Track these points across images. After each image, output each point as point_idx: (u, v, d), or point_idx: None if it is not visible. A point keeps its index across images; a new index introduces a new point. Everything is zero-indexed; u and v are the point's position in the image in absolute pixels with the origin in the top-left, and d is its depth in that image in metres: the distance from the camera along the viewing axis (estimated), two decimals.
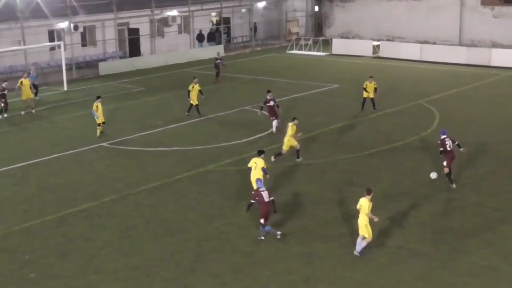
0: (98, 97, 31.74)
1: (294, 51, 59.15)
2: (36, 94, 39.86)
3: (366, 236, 18.44)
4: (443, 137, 24.21)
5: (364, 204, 18.40)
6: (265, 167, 22.63)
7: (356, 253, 18.64)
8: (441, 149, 24.04)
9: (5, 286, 17.42)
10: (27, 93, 36.68)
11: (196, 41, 59.35)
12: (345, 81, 44.66)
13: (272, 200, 19.87)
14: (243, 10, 65.33)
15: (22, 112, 36.64)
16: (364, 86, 35.25)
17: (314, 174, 25.77)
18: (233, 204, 22.73)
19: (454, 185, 23.95)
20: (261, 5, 66.07)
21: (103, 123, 31.66)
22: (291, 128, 26.70)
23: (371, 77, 35.60)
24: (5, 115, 36.03)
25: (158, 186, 24.56)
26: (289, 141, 26.76)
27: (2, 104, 35.83)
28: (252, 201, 20.06)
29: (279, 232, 19.93)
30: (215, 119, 34.25)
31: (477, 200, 22.77)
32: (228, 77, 47.00)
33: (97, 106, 31.25)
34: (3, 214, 22.25)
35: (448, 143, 24.03)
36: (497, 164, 26.71)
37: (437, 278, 17.39)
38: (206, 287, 17.19)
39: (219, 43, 60.23)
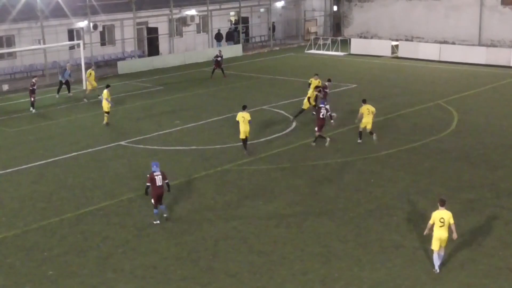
0: (108, 86, 34.24)
1: (312, 51, 59.08)
2: (69, 91, 41.30)
3: (441, 247, 17.76)
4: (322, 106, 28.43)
5: (448, 215, 17.68)
6: (250, 119, 27.62)
7: (436, 271, 17.71)
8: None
9: (23, 284, 17.56)
10: (93, 83, 39.91)
11: (215, 41, 59.42)
12: (363, 81, 44.53)
13: (167, 182, 21.13)
14: (262, 10, 65.36)
15: (85, 100, 39.72)
16: (310, 81, 34.62)
17: (332, 174, 25.73)
18: (251, 203, 22.75)
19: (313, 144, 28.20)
20: (279, 4, 66.06)
21: (107, 112, 33.57)
22: (313, 83, 32.47)
23: (316, 74, 35.49)
24: (33, 110, 36.86)
25: (176, 185, 24.60)
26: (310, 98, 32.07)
27: (32, 99, 36.96)
28: (148, 184, 20.92)
29: (165, 215, 21.32)
30: (233, 118, 34.21)
31: (496, 201, 22.63)
32: (246, 77, 47.08)
33: (104, 94, 33.41)
34: (21, 212, 22.42)
35: (323, 111, 28.42)
36: None
37: (454, 279, 17.31)
38: (222, 286, 17.23)
39: (237, 42, 60.30)
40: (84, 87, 42.45)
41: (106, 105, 33.36)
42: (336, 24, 69.14)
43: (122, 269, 18.18)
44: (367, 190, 23.90)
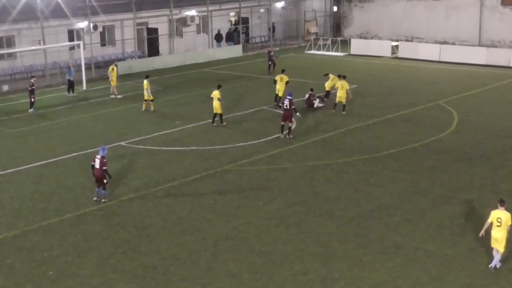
0: (147, 76, 37.07)
1: (312, 51, 59.11)
2: (72, 91, 41.77)
3: (503, 250, 17.71)
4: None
5: (506, 216, 17.57)
6: (220, 97, 31.65)
7: (491, 268, 17.71)
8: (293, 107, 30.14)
9: (23, 284, 17.56)
10: (115, 79, 41.15)
11: (215, 41, 59.46)
12: (363, 81, 44.52)
13: (105, 169, 22.53)
14: (262, 10, 65.38)
15: (112, 96, 41.01)
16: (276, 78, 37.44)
17: (332, 174, 25.73)
18: (251, 204, 22.75)
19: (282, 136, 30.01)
20: (279, 5, 66.09)
21: (145, 100, 36.43)
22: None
23: (283, 70, 38.29)
24: (32, 110, 37.01)
25: (176, 186, 24.65)
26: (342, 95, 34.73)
27: (32, 99, 37.10)
28: (92, 163, 22.78)
29: (104, 200, 22.80)
30: (232, 118, 34.26)
31: (495, 201, 22.53)
32: (246, 77, 47.10)
33: (147, 84, 36.08)
34: (22, 212, 22.43)
35: (286, 102, 29.99)
36: None
37: (454, 279, 17.31)
38: (223, 287, 17.23)
39: (237, 43, 60.35)
40: (84, 88, 42.48)
41: (146, 95, 36.09)
42: (336, 25, 69.17)
43: (123, 269, 18.19)
44: (367, 190, 23.90)
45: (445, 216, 21.46)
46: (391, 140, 30.05)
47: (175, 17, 55.48)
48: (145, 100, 36.41)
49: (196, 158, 28.04)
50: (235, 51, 58.32)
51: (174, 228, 20.90)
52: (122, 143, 30.36)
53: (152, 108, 36.33)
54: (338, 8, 68.84)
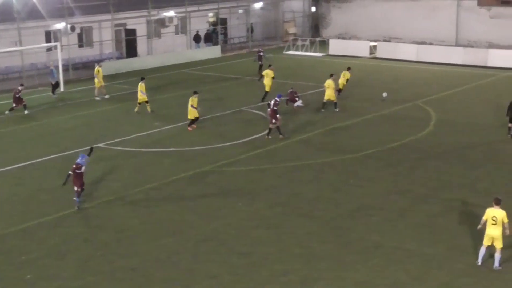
0: (143, 78, 36.66)
1: (291, 52, 59.16)
2: (53, 92, 41.48)
3: (501, 245, 17.80)
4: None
5: (501, 214, 17.70)
6: (195, 105, 31.66)
7: (496, 267, 17.82)
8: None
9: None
10: (101, 80, 40.44)
11: (193, 42, 59.33)
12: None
13: (68, 174, 22.39)
14: (240, 11, 65.34)
15: (97, 98, 40.26)
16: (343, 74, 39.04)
17: (312, 175, 25.78)
18: (231, 205, 22.73)
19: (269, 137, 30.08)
20: (258, 5, 66.08)
21: (140, 103, 36.08)
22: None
23: (270, 65, 39.69)
24: (26, 111, 36.80)
25: (155, 187, 24.56)
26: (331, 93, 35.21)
27: (19, 106, 36.70)
28: (70, 172, 22.27)
29: (77, 207, 22.31)
30: (212, 119, 34.21)
31: (474, 200, 22.79)
32: (225, 78, 47.05)
33: (141, 86, 35.84)
34: (0, 215, 22.21)
35: (272, 102, 30.28)
36: (494, 164, 26.75)
37: (434, 278, 17.40)
38: None
39: (216, 44, 60.28)
40: (62, 89, 42.21)
41: (141, 97, 35.87)
42: (315, 25, 69.28)
43: (102, 271, 18.07)
44: (346, 190, 23.98)
45: (424, 215, 21.58)
46: (370, 140, 30.17)
47: (153, 18, 55.27)
48: (139, 103, 36.03)
49: (176, 160, 27.96)
50: (213, 52, 58.24)
51: (153, 230, 20.82)
52: (101, 144, 30.16)
53: (148, 109, 35.99)
54: (316, 9, 68.97)
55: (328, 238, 19.94)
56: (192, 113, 32.10)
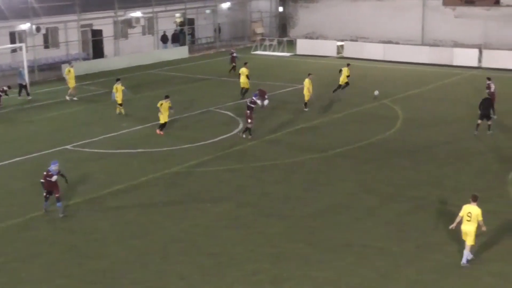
0: (118, 79, 36.06)
1: (258, 52, 59.22)
2: (19, 94, 40.92)
3: (473, 243, 17.97)
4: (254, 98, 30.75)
5: (476, 211, 17.83)
6: (164, 109, 30.87)
7: (464, 264, 18.00)
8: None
9: None
10: (73, 81, 40.18)
11: (161, 43, 59.08)
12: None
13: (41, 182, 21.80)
14: (207, 11, 65.22)
15: (67, 98, 39.92)
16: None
17: (281, 175, 25.83)
18: (199, 205, 22.69)
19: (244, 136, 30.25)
20: (225, 6, 66.02)
21: (120, 105, 35.54)
22: (308, 82, 35.68)
23: (246, 63, 40.93)
24: None
25: (124, 189, 24.40)
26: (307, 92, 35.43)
27: None
28: (42, 180, 21.69)
29: (61, 215, 21.71)
30: (180, 120, 34.10)
31: (441, 198, 23.04)
32: (193, 78, 46.93)
33: (116, 88, 35.22)
34: None
35: (252, 100, 30.46)
36: (460, 162, 27.06)
37: (402, 275, 17.55)
38: None
39: (183, 44, 60.12)
40: (28, 90, 41.80)
41: (120, 97, 35.45)
42: (282, 25, 69.42)
43: (71, 274, 17.91)
44: (315, 189, 24.08)
45: (393, 213, 21.76)
46: (339, 139, 30.33)
47: (120, 18, 54.91)
48: (118, 105, 35.70)
49: (144, 161, 27.82)
50: (181, 52, 58.08)
51: (122, 231, 20.69)
52: (68, 146, 29.90)
53: (118, 111, 35.71)
54: (284, 9, 69.11)
55: (297, 238, 20.00)
56: (163, 117, 31.56)
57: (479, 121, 30.56)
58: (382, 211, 22.00)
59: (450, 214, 21.45)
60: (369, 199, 23.11)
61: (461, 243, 19.17)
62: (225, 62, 50.17)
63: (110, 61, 52.66)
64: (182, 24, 62.65)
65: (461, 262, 18.03)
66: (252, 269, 18.03)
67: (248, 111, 30.31)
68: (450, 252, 18.81)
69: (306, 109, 35.63)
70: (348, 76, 39.44)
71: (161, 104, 31.25)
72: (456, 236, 19.71)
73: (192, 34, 64.41)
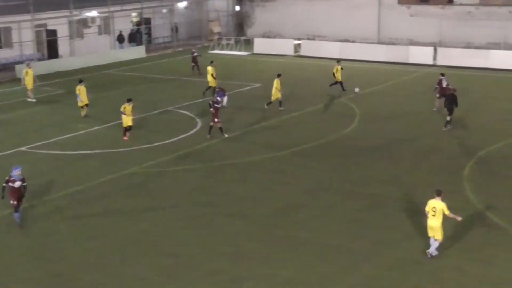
0: (81, 81, 35.03)
1: (216, 51, 59.14)
2: None
3: (440, 238, 18.19)
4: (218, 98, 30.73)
5: (440, 206, 18.04)
6: (127, 112, 29.84)
7: (430, 254, 18.28)
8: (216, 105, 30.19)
9: None
10: (31, 82, 39.44)
11: (117, 42, 58.59)
12: (267, 80, 44.72)
13: (24, 185, 21.07)
14: (164, 11, 64.89)
15: (29, 99, 39.29)
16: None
17: (240, 174, 25.83)
18: (158, 206, 22.55)
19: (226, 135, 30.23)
20: (182, 5, 65.73)
21: (87, 105, 34.67)
22: (276, 82, 35.44)
23: (212, 61, 41.24)
24: None
25: (81, 190, 24.13)
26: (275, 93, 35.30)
27: None
28: (4, 185, 20.88)
29: (18, 221, 20.90)
30: (137, 120, 33.80)
31: (398, 194, 23.29)
32: (150, 78, 46.66)
33: (79, 90, 34.18)
34: None
35: (217, 100, 30.31)
36: (417, 159, 27.38)
37: (361, 272, 17.68)
38: None
39: (140, 44, 59.72)
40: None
41: (85, 100, 34.67)
42: (239, 24, 69.45)
43: (28, 278, 17.64)
44: (274, 188, 24.13)
45: (351, 211, 21.92)
46: (297, 138, 30.44)
47: (75, 18, 54.26)
48: (85, 105, 34.85)
49: (101, 162, 27.56)
50: (138, 52, 57.68)
51: (80, 233, 20.45)
52: (23, 148, 29.45)
53: (84, 113, 34.87)
54: (240, 8, 69.14)
55: (256, 237, 20.02)
56: (126, 121, 30.65)
57: (448, 118, 31.29)
58: (340, 208, 22.14)
59: (407, 211, 21.76)
60: (327, 197, 23.24)
61: (419, 238, 19.45)
62: (183, 62, 49.99)
63: (66, 62, 52.01)
64: (138, 23, 62.23)
65: (429, 250, 18.30)
66: (212, 269, 17.99)
67: (214, 111, 30.21)
68: (407, 248, 19.02)
69: (281, 108, 35.54)
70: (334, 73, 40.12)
71: (124, 108, 30.39)
72: (413, 232, 19.98)
73: (149, 34, 64.03)
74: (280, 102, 35.64)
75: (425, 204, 18.43)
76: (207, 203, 22.75)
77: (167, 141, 30.17)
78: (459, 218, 18.37)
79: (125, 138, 30.36)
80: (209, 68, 39.95)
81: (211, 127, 30.46)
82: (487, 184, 24.24)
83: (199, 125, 32.69)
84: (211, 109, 30.25)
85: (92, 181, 25.00)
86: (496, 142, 29.35)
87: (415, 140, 30.00)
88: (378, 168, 26.24)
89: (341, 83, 40.03)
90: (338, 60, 41.55)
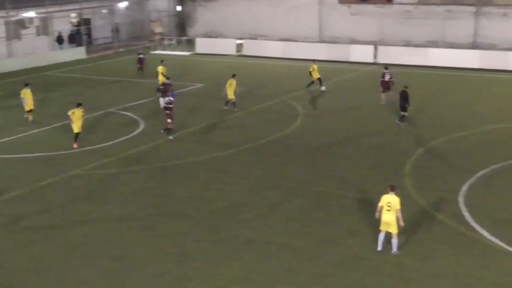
0: (27, 84, 33.77)
1: (158, 51, 58.79)
2: None
3: (396, 232, 18.35)
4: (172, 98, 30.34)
5: (395, 200, 18.22)
6: (75, 118, 28.35)
7: (395, 252, 18.44)
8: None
9: None
10: None
11: (56, 43, 57.65)
12: (210, 80, 44.84)
13: None
14: (104, 11, 64.12)
15: None
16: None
17: (183, 174, 25.69)
18: (101, 209, 22.26)
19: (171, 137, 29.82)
20: (122, 5, 65.11)
21: (31, 110, 33.36)
22: (230, 83, 34.94)
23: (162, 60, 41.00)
24: None
25: (20, 194, 23.64)
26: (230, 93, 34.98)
27: None
28: None
29: None
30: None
31: (341, 191, 23.50)
32: (92, 80, 46.08)
33: (24, 93, 33.13)
34: None
35: (170, 100, 29.97)
36: (359, 156, 27.68)
37: (306, 270, 17.77)
38: None
39: (80, 45, 58.90)
40: None
41: (31, 104, 33.54)
42: (181, 24, 69.15)
43: None
44: (219, 188, 24.08)
45: (295, 209, 22.02)
46: (240, 137, 30.46)
47: (12, 19, 53.17)
48: (30, 110, 33.59)
49: (42, 165, 27.07)
50: (78, 53, 56.90)
51: (20, 238, 20.03)
52: None
53: (30, 118, 33.72)
54: (182, 8, 68.84)
55: (201, 237, 19.94)
56: (75, 127, 28.96)
57: (402, 113, 31.97)
58: (285, 207, 22.23)
59: (350, 207, 21.98)
60: (271, 195, 23.30)
61: (362, 234, 19.67)
62: (125, 63, 49.50)
63: (3, 63, 50.95)
64: (78, 24, 61.36)
65: (392, 251, 18.48)
66: (157, 270, 17.85)
67: (168, 111, 29.93)
68: (351, 244, 19.21)
69: (225, 107, 35.46)
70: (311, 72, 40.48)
71: (73, 113, 28.91)
72: (356, 229, 20.19)
73: (89, 35, 63.17)
74: (227, 102, 35.53)
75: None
76: (151, 205, 22.56)
77: (109, 143, 29.81)
78: (402, 224, 18.48)
79: (75, 146, 28.88)
80: (160, 68, 39.73)
81: (168, 127, 30.25)
82: (427, 179, 24.66)
83: (142, 127, 32.42)
84: (166, 110, 30.00)
85: (32, 185, 24.53)
86: (436, 138, 29.90)
87: (358, 137, 30.34)
88: (322, 165, 26.44)
89: (319, 79, 40.33)
90: (314, 60, 41.60)
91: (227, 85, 35.19)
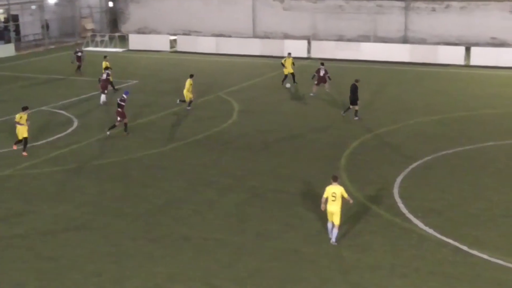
0: None
1: (90, 48, 57.93)
2: None
3: (338, 223, 18.55)
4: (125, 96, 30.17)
5: (339, 190, 18.37)
6: (22, 122, 26.80)
7: (333, 243, 18.68)
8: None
9: None
10: None
11: None
12: (144, 76, 44.51)
13: None
14: (33, 7, 62.84)
15: None
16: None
17: (118, 172, 25.45)
18: (35, 209, 21.86)
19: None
20: (52, 1, 63.93)
21: None
22: (188, 83, 34.48)
23: (105, 56, 40.54)
24: None
25: None
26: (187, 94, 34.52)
27: None
28: None
29: None
30: (9, 121, 32.61)
31: (276, 186, 23.67)
32: (22, 77, 45.11)
33: None
34: None
35: (123, 97, 29.93)
36: (294, 150, 27.93)
37: (244, 265, 17.86)
38: None
39: (8, 41, 57.58)
40: None
41: None
42: (113, 20, 68.37)
43: None
44: (154, 185, 23.95)
45: (232, 204, 22.08)
46: (175, 134, 30.35)
47: None
48: None
49: None
50: (7, 50, 55.61)
51: None
52: None
53: None
54: (114, 4, 68.04)
55: (138, 235, 19.80)
56: (21, 131, 27.34)
57: (351, 106, 32.49)
58: (221, 202, 22.27)
59: (285, 202, 22.16)
60: (207, 191, 23.30)
61: (298, 228, 19.87)
62: (56, 60, 48.62)
63: None
64: (6, 20, 59.95)
65: (331, 241, 18.77)
66: (94, 270, 17.65)
67: (120, 109, 29.71)
68: (288, 238, 19.38)
69: (188, 108, 34.84)
70: (293, 64, 40.48)
71: (21, 117, 27.11)
72: (292, 223, 20.39)
73: (17, 31, 61.72)
74: (190, 102, 35.03)
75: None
76: (86, 203, 22.28)
77: (42, 142, 29.29)
78: (351, 201, 19.01)
79: (24, 153, 27.43)
80: (104, 63, 39.41)
81: (125, 124, 30.19)
82: (363, 172, 25.07)
83: (75, 124, 31.96)
84: (118, 108, 29.68)
85: None
86: (370, 131, 30.43)
87: (293, 132, 30.60)
88: (257, 161, 26.57)
89: (292, 74, 40.28)
90: (289, 53, 41.41)
91: (187, 85, 34.74)
